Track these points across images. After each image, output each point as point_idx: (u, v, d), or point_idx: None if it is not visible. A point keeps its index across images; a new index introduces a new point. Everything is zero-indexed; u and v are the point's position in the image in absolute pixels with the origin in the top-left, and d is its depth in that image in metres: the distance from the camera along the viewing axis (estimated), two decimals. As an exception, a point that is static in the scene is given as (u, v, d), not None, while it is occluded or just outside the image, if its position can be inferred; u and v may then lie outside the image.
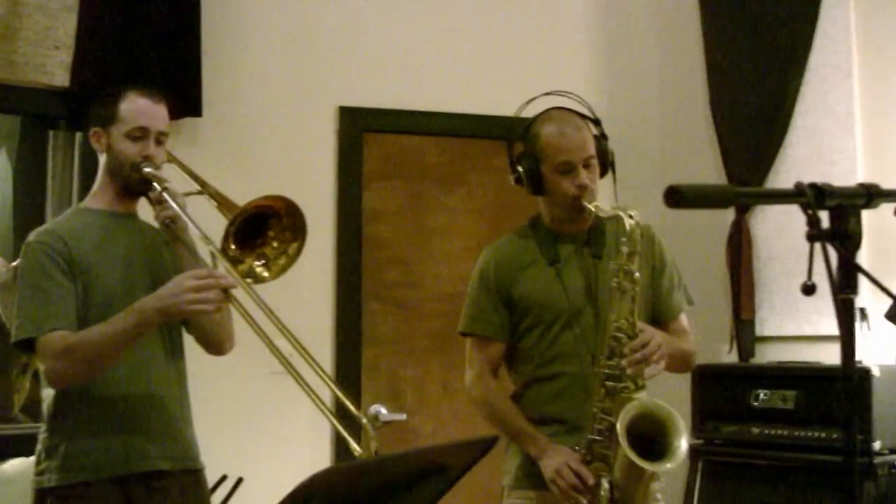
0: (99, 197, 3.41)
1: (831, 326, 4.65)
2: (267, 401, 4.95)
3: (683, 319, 3.63)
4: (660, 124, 5.67)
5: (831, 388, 4.48)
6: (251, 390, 4.95)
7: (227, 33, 5.07)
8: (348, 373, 5.14)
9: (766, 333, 5.23)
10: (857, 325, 4.66)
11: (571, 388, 3.41)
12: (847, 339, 1.87)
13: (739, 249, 5.24)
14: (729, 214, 5.33)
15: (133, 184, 3.33)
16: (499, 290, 3.54)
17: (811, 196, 1.77)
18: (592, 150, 3.44)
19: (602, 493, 3.23)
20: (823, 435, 4.47)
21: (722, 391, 4.87)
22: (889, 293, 1.92)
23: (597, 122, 3.56)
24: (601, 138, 3.52)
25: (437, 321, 5.30)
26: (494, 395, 3.59)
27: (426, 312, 5.32)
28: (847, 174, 4.92)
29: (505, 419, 3.54)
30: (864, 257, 4.78)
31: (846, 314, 1.89)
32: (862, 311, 4.68)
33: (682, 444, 3.24)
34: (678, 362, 3.57)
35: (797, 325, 5.07)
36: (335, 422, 3.09)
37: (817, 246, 1.88)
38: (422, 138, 5.41)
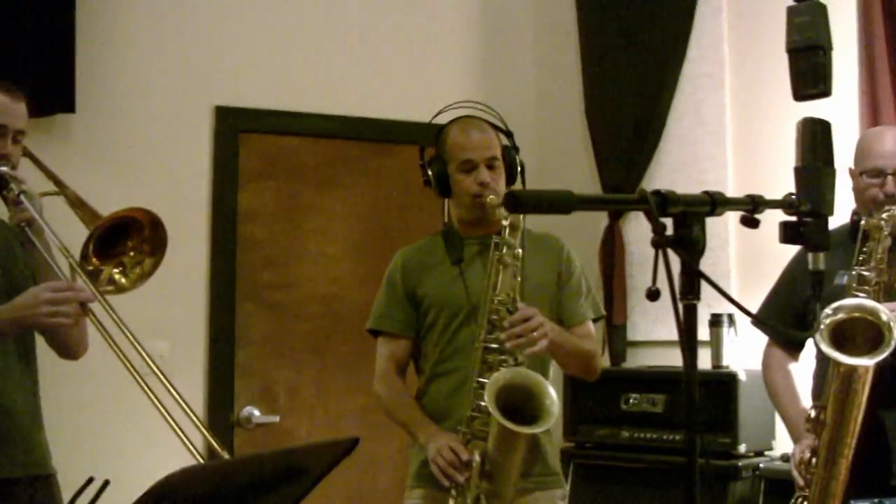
0: None
1: (701, 332, 4.79)
2: (136, 402, 4.90)
3: (589, 326, 3.68)
4: (536, 131, 5.74)
5: (700, 393, 4.58)
6: (120, 391, 4.89)
7: (102, 28, 5.01)
8: (221, 374, 5.12)
9: (638, 338, 5.33)
10: (725, 330, 4.78)
11: (469, 383, 3.45)
12: (689, 344, 1.94)
13: (612, 255, 5.34)
14: (602, 220, 5.42)
15: None
16: (405, 289, 3.63)
17: (654, 203, 1.82)
18: (496, 152, 3.54)
19: (474, 465, 3.28)
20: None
21: (594, 395, 4.95)
22: (734, 302, 1.99)
23: (508, 134, 3.65)
24: (511, 148, 3.61)
25: (312, 323, 5.31)
26: (392, 391, 3.65)
27: (301, 314, 5.32)
28: (718, 182, 5.03)
29: (399, 413, 3.62)
30: (732, 265, 4.93)
31: (688, 319, 1.95)
32: (730, 317, 4.79)
33: (553, 403, 3.28)
34: (577, 360, 3.65)
35: (668, 330, 5.14)
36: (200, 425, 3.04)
37: (670, 252, 1.93)
38: (299, 139, 5.40)
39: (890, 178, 3.45)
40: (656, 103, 5.29)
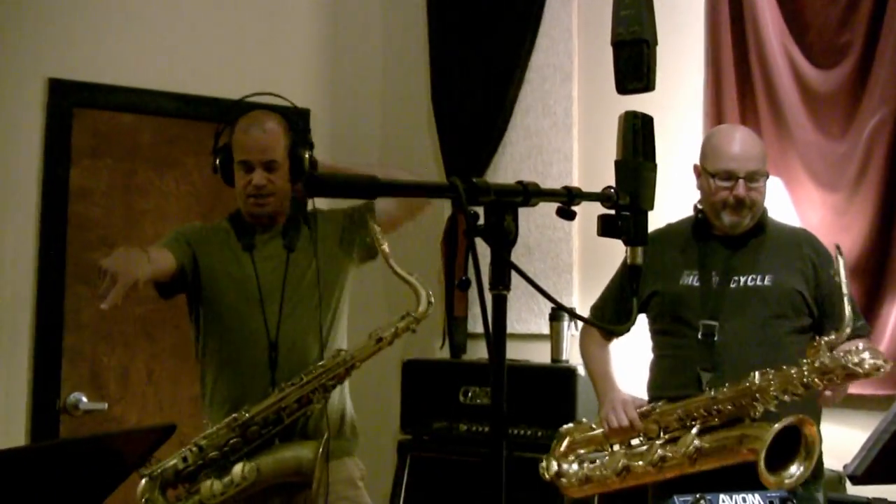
0: None
1: (542, 325, 4.88)
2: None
3: None
4: (381, 118, 5.78)
5: (539, 387, 4.66)
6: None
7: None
8: (48, 358, 5.05)
9: (479, 330, 5.39)
10: (565, 325, 4.87)
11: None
12: (497, 335, 1.97)
13: (454, 246, 5.40)
14: (446, 210, 5.48)
15: None
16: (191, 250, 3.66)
17: (461, 191, 1.84)
18: (275, 155, 3.60)
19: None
20: (529, 432, 4.64)
21: (432, 387, 5.00)
22: (544, 293, 2.03)
23: (305, 131, 3.71)
24: (297, 145, 3.65)
25: (144, 307, 5.24)
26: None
27: (133, 298, 5.21)
28: (563, 175, 5.13)
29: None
30: (575, 260, 5.02)
31: (498, 310, 1.99)
32: (571, 311, 4.88)
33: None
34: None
35: (509, 324, 5.23)
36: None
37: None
38: (136, 117, 5.34)
39: (741, 181, 3.54)
40: (503, 94, 5.35)
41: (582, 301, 4.94)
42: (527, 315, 5.16)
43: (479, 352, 5.38)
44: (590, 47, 5.22)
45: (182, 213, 5.36)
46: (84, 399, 5.11)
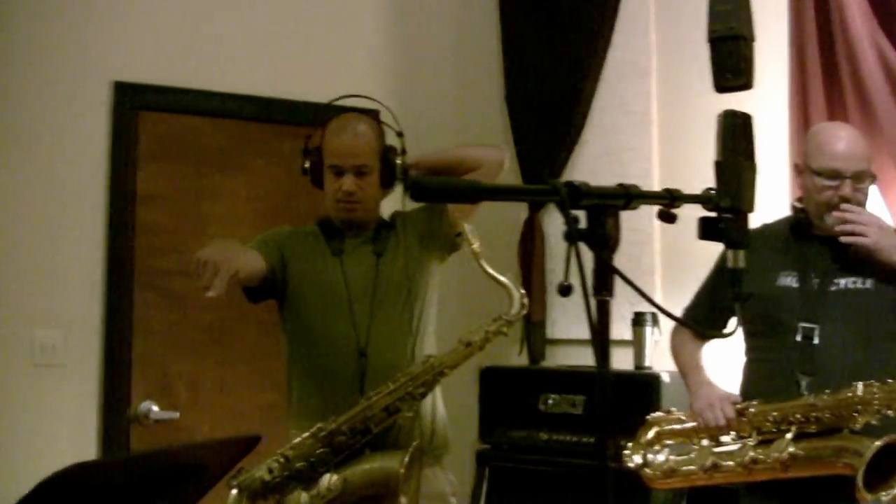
0: None
1: (623, 330, 4.87)
2: (29, 395, 4.90)
3: None
4: (454, 118, 5.78)
5: (622, 394, 4.65)
6: (13, 383, 4.89)
7: (-9, -5, 4.98)
8: (117, 367, 5.10)
9: (558, 336, 5.40)
10: (648, 330, 4.86)
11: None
12: (601, 342, 1.98)
13: (532, 249, 5.40)
14: (522, 212, 5.48)
15: None
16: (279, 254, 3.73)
17: (565, 194, 1.86)
18: (366, 160, 3.65)
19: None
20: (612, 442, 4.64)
21: (510, 395, 5.02)
22: (648, 298, 2.04)
23: (398, 134, 3.74)
24: (391, 151, 3.71)
25: (214, 314, 5.30)
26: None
27: (203, 304, 5.28)
28: (642, 175, 5.11)
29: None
30: (656, 263, 5.01)
31: (601, 317, 2.00)
32: (653, 315, 4.87)
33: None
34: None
35: (587, 330, 5.23)
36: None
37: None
38: (201, 119, 5.39)
39: (848, 181, 3.52)
40: (579, 91, 5.35)
41: (665, 304, 4.92)
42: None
43: (558, 358, 5.39)
44: (668, 42, 5.20)
45: (251, 218, 5.40)
46: (155, 408, 5.16)
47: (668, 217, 2.16)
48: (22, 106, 5.02)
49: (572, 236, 1.90)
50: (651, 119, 5.20)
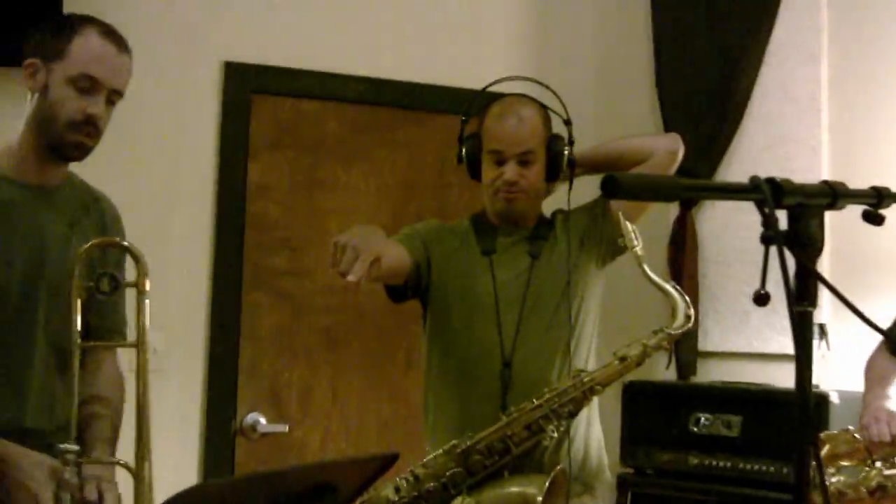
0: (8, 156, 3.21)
1: (785, 344, 4.76)
2: (128, 402, 4.91)
3: None
4: (595, 107, 5.72)
5: (784, 415, 4.55)
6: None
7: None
8: (223, 374, 5.12)
9: (710, 348, 5.30)
10: (815, 343, 4.75)
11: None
12: (803, 359, 1.91)
13: (683, 250, 5.32)
14: (672, 209, 5.40)
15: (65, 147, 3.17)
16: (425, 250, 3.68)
17: (768, 192, 1.81)
18: (532, 145, 3.59)
19: None
20: (773, 468, 4.53)
21: (657, 413, 4.93)
22: (855, 309, 1.95)
23: (566, 123, 3.68)
24: (558, 140, 3.65)
25: (329, 317, 5.30)
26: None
27: (316, 307, 5.32)
28: (809, 168, 5.01)
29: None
30: (824, 266, 4.90)
31: (803, 329, 1.93)
32: (821, 327, 4.76)
33: None
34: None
35: (746, 341, 5.15)
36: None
37: (773, 251, 1.91)
38: (320, 103, 5.40)
39: None
40: (738, 77, 5.26)
41: (835, 314, 4.82)
42: (768, 332, 5.05)
43: (710, 373, 5.29)
44: (841, 21, 5.09)
45: (371, 212, 5.39)
46: (263, 420, 5.17)
47: (874, 219, 2.08)
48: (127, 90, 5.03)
49: (774, 239, 1.83)
50: (820, 107, 5.08)
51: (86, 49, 3.13)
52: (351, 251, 3.09)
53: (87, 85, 3.12)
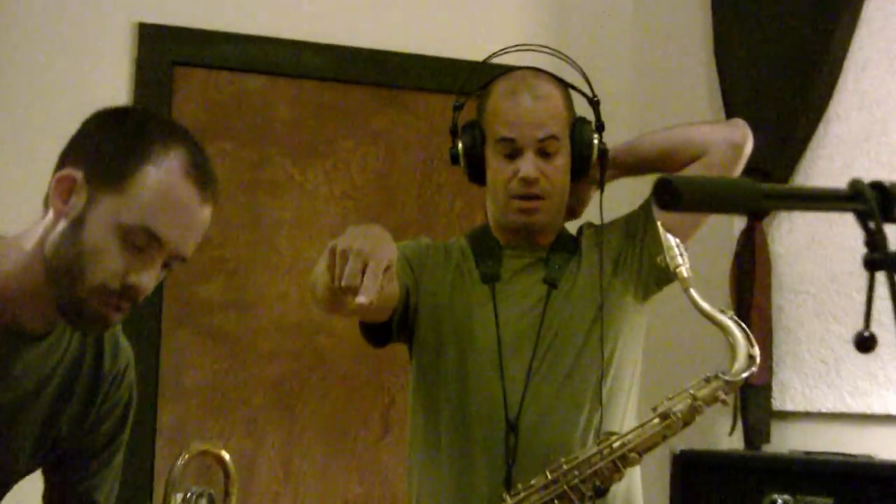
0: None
1: (891, 401, 4.79)
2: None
3: None
4: (637, 88, 5.77)
5: (888, 495, 4.56)
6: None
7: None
8: (138, 437, 5.10)
9: (789, 407, 5.29)
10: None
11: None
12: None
13: (751, 273, 5.32)
14: (736, 221, 5.41)
15: None
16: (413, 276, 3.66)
17: (873, 201, 1.80)
18: (553, 130, 3.54)
19: None
20: (874, 566, 4.57)
21: (718, 491, 4.95)
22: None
23: (593, 103, 3.66)
24: (584, 124, 3.63)
25: (279, 365, 5.32)
26: None
27: (262, 351, 5.32)
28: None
29: None
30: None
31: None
32: None
33: None
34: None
35: (837, 397, 5.14)
36: None
37: (879, 278, 1.92)
38: (268, 79, 5.43)
39: None
40: (822, 46, 5.27)
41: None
42: (866, 385, 5.05)
43: (789, 440, 5.28)
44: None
45: (335, 223, 5.40)
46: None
47: None
48: (23, 53, 5.07)
49: (883, 263, 1.82)
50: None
51: (158, 192, 2.73)
52: (355, 259, 2.93)
53: (142, 243, 2.72)
